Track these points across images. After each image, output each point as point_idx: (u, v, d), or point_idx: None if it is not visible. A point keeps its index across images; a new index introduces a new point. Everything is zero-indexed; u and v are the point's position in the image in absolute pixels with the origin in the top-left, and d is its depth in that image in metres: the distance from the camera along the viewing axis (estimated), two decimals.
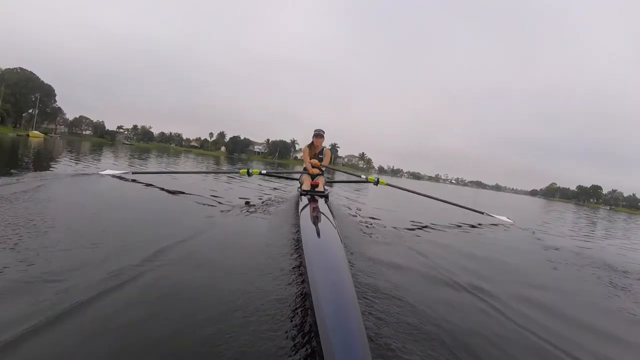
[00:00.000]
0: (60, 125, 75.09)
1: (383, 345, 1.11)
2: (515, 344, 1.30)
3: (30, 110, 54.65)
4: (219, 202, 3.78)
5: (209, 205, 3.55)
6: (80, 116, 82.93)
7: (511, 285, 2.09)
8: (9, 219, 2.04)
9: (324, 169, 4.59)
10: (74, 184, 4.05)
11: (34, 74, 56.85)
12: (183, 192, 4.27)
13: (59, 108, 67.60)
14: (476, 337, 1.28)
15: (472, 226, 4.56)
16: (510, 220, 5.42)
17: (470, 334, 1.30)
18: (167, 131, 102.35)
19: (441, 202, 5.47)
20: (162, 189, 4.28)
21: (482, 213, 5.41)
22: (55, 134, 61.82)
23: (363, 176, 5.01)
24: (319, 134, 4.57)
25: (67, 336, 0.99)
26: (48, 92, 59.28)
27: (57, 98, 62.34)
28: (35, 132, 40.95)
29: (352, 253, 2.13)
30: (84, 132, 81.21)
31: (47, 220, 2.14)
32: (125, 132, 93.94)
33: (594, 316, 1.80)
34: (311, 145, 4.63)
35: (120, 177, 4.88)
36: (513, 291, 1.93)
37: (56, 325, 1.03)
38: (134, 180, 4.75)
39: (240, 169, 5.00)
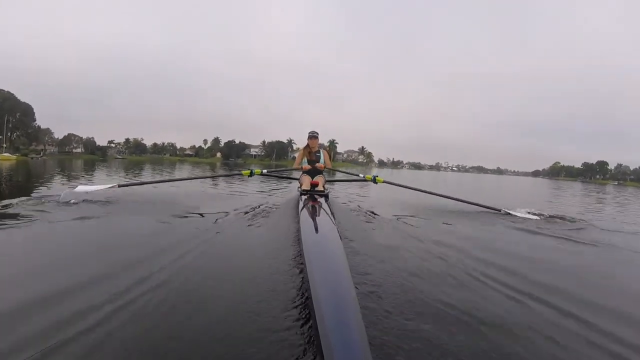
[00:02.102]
0: (49, 145, 72.97)
1: (383, 344, 1.09)
2: (522, 345, 1.19)
3: (11, 133, 52.11)
4: (218, 206, 3.81)
5: (208, 208, 3.57)
6: (69, 134, 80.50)
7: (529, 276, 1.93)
8: None
9: (324, 168, 4.63)
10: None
11: (12, 94, 53.95)
12: (179, 199, 4.20)
13: (42, 128, 64.86)
14: (479, 337, 1.22)
15: (473, 218, 4.24)
16: (533, 217, 4.38)
17: (472, 333, 1.23)
18: (160, 142, 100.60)
19: (444, 198, 4.90)
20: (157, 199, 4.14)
21: (499, 210, 4.62)
22: (44, 154, 59.52)
23: (361, 175, 5.13)
24: (313, 136, 4.68)
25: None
26: (26, 112, 56.11)
27: (46, 118, 59.94)
28: (6, 154, 37.56)
29: (351, 251, 2.08)
30: (74, 150, 78.86)
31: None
32: (117, 147, 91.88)
33: None
34: (307, 147, 4.73)
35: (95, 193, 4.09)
36: (532, 282, 1.80)
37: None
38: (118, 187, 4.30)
39: (242, 170, 4.96)
